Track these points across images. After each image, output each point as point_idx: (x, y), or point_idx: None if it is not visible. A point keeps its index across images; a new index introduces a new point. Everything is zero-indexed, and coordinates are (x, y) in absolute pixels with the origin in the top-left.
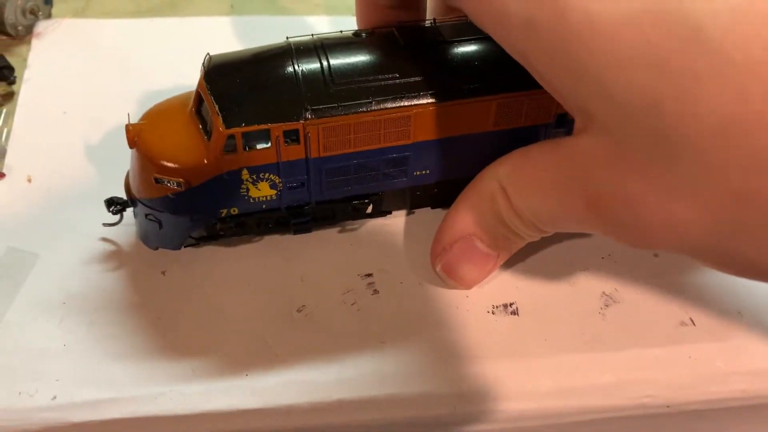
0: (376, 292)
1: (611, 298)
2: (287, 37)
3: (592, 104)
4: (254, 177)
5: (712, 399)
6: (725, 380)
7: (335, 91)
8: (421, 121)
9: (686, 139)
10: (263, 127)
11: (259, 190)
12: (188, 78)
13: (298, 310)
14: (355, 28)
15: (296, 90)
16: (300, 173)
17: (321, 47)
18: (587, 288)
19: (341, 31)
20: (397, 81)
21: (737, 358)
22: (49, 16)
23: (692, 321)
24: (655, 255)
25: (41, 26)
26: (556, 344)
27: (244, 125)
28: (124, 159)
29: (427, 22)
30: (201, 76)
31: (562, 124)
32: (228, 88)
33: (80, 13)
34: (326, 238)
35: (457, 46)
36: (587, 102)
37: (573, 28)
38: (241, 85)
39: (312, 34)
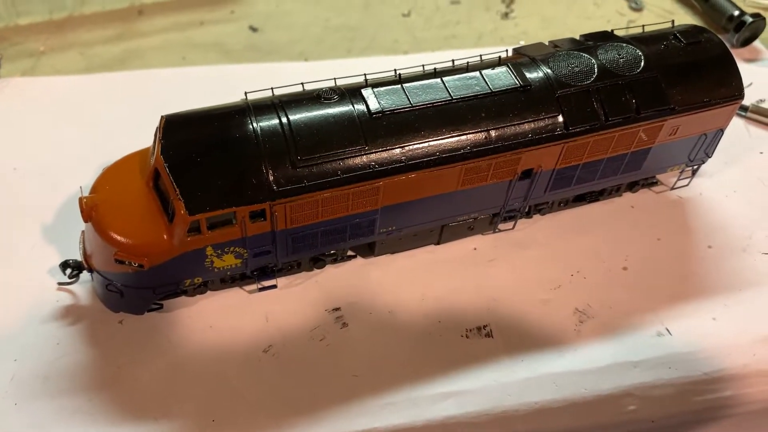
0: (345, 325)
1: (585, 314)
2: (245, 93)
3: None
4: (219, 251)
5: (697, 409)
6: (709, 388)
7: (301, 168)
8: (390, 190)
9: None
10: (228, 210)
11: (224, 261)
12: (143, 130)
13: (265, 351)
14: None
15: (260, 168)
16: (266, 243)
17: (283, 112)
18: (560, 306)
19: (302, 86)
20: (365, 153)
21: (718, 365)
22: None
23: (668, 331)
24: (624, 268)
25: None
26: (533, 364)
27: (209, 209)
28: (77, 213)
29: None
30: (157, 149)
31: (527, 176)
32: (188, 166)
33: (29, 71)
34: (289, 276)
35: (426, 112)
36: None
37: None
38: (201, 164)
39: (272, 88)
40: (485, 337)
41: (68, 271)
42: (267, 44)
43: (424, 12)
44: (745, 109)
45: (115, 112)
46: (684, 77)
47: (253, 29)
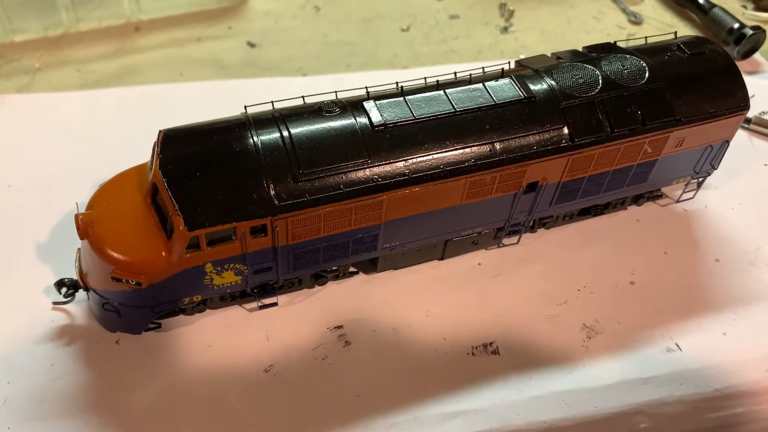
0: (347, 343)
1: (593, 330)
2: (245, 107)
3: None
4: (218, 268)
5: (709, 427)
6: (721, 405)
7: (303, 183)
8: (393, 204)
9: None
10: (229, 226)
11: (224, 278)
12: (141, 146)
13: (266, 371)
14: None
15: (261, 182)
16: (267, 259)
17: (284, 125)
18: (567, 321)
19: (303, 99)
20: (367, 166)
21: (730, 381)
22: None
23: (678, 346)
24: (631, 283)
25: None
26: (541, 381)
27: (208, 225)
28: (73, 231)
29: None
30: (155, 165)
31: (532, 189)
32: (187, 181)
33: (24, 88)
34: (290, 293)
35: (429, 124)
36: None
37: None
38: (201, 178)
39: (272, 102)
40: (491, 354)
41: (64, 290)
42: (265, 60)
43: (423, 27)
44: (748, 121)
45: (111, 128)
46: (689, 88)
47: (251, 45)
